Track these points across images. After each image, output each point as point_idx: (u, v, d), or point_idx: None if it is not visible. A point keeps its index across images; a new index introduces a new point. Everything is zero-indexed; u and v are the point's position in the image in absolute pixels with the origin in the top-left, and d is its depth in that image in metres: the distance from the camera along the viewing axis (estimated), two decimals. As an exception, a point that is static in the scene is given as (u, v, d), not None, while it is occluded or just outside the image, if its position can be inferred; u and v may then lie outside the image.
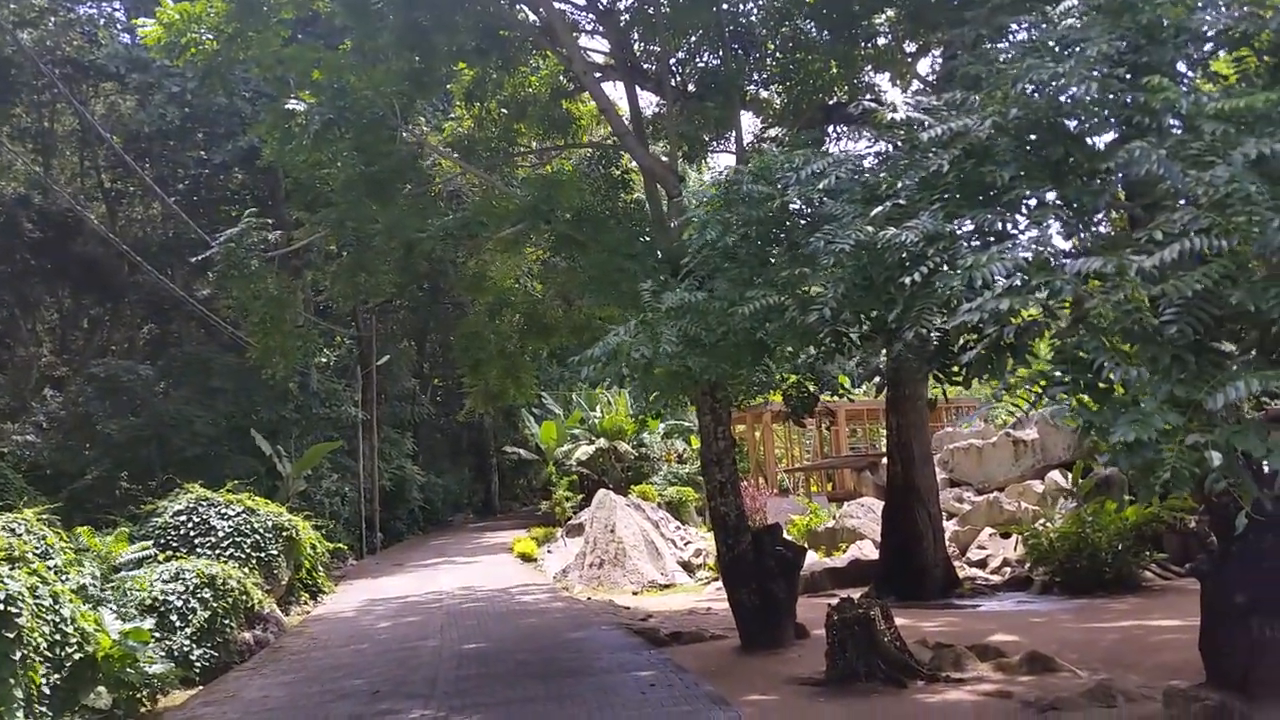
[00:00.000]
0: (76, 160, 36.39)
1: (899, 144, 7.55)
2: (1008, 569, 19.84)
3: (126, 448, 29.43)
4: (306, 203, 15.18)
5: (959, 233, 6.58)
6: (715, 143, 18.57)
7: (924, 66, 19.24)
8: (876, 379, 15.39)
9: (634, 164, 16.99)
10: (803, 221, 8.34)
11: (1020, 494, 23.06)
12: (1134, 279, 5.03)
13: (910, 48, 18.38)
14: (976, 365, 5.98)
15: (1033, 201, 6.44)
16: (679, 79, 18.24)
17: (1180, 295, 4.93)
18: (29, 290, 35.52)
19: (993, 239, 6.49)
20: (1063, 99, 6.55)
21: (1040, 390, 5.33)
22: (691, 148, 18.56)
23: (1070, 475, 21.87)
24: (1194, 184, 5.51)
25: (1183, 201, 5.74)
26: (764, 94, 17.95)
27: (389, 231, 14.07)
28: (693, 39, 17.85)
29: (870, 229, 7.00)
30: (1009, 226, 6.38)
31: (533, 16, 16.77)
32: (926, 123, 7.05)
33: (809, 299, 7.63)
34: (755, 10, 17.39)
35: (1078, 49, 6.78)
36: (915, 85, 18.67)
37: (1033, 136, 6.73)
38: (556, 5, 16.85)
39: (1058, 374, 5.23)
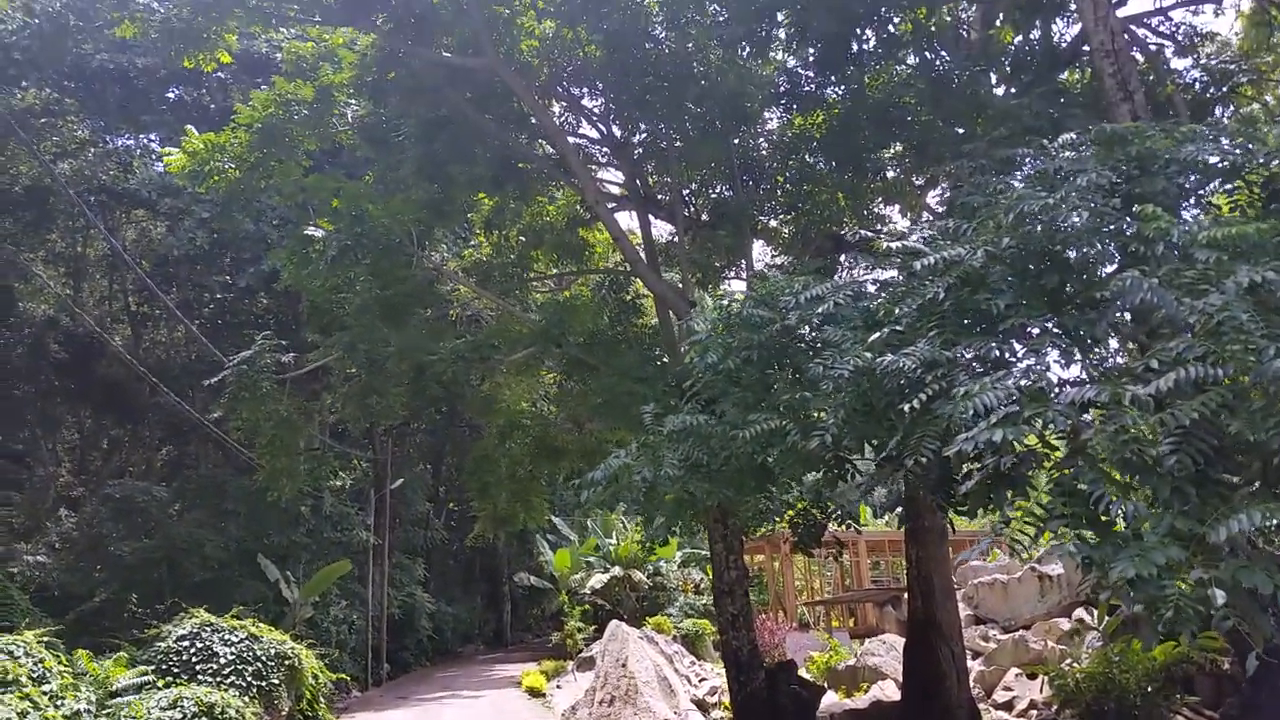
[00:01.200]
0: (105, 284, 37.34)
1: (898, 272, 7.64)
2: (1035, 711, 19.04)
3: (137, 570, 29.20)
4: (323, 326, 15.47)
5: (957, 360, 6.58)
6: (727, 270, 18.87)
7: (933, 198, 19.65)
8: (899, 509, 15.16)
9: (646, 289, 17.25)
10: (803, 346, 8.38)
11: (1047, 632, 22.32)
12: (1130, 408, 4.97)
13: (919, 181, 18.81)
14: (975, 496, 5.88)
15: (1034, 330, 6.46)
16: (692, 209, 18.70)
17: (1178, 424, 4.86)
18: (52, 410, 35.97)
19: (990, 367, 6.48)
20: (1056, 228, 6.64)
21: (1040, 524, 5.20)
22: (704, 275, 18.87)
23: (1097, 612, 21.20)
24: (1188, 312, 5.51)
25: (1182, 329, 5.74)
26: (774, 224, 18.31)
27: (400, 354, 14.26)
28: (704, 172, 18.39)
29: (869, 355, 7.01)
30: (1006, 355, 6.38)
31: (549, 149, 17.34)
32: (921, 251, 7.14)
33: (810, 424, 7.59)
34: (765, 145, 17.94)
35: (1071, 179, 6.92)
36: (925, 216, 19.04)
37: (1029, 266, 6.80)
38: (572, 139, 17.45)
39: (1056, 507, 5.11)
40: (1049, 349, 6.27)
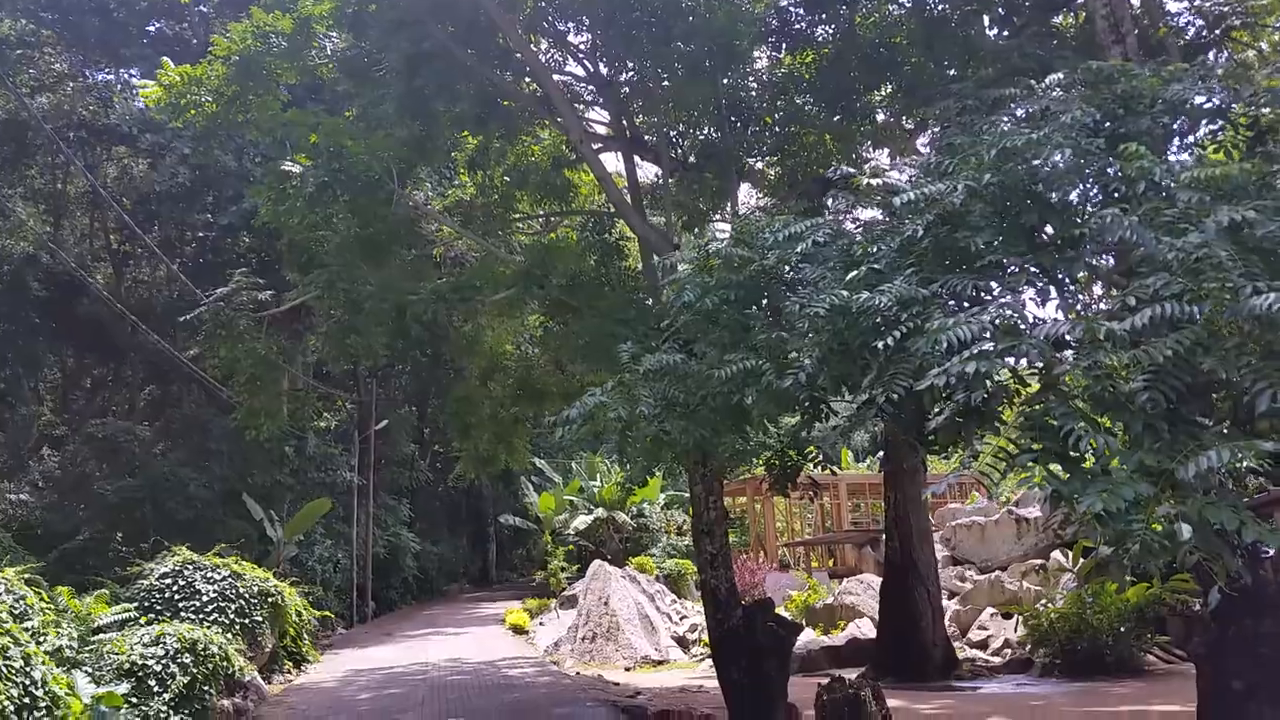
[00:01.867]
0: (86, 221, 36.82)
1: (879, 210, 7.54)
2: (1009, 650, 19.38)
3: (120, 509, 29.20)
4: (301, 264, 15.26)
5: (933, 297, 6.51)
6: (713, 213, 18.69)
7: (922, 142, 19.45)
8: (881, 453, 15.24)
9: (630, 231, 17.08)
10: (782, 286, 8.29)
11: (1023, 574, 22.64)
12: (1104, 344, 4.93)
13: (909, 124, 18.60)
14: (944, 431, 5.85)
15: (1013, 268, 6.40)
16: (678, 151, 18.46)
17: (1151, 362, 4.82)
18: (33, 349, 35.64)
19: (966, 304, 6.42)
20: (1038, 165, 6.54)
21: (1009, 459, 5.17)
22: (689, 217, 18.70)
23: (1072, 554, 21.50)
24: (1166, 249, 5.45)
25: (1159, 268, 5.67)
26: (760, 166, 18.10)
27: (380, 293, 14.08)
28: (691, 113, 18.12)
29: (845, 293, 6.93)
30: (982, 292, 6.32)
31: (534, 87, 17.03)
32: (901, 188, 7.04)
33: (786, 364, 7.54)
34: (754, 86, 17.67)
35: (1056, 118, 6.81)
36: (913, 159, 18.84)
37: (1010, 204, 6.71)
38: (557, 77, 17.14)
39: (1026, 442, 5.08)
40: (1025, 287, 6.21)
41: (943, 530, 26.32)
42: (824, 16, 14.75)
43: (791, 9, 15.23)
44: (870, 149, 18.81)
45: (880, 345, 6.48)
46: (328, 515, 30.81)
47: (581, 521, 34.30)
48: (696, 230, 17.89)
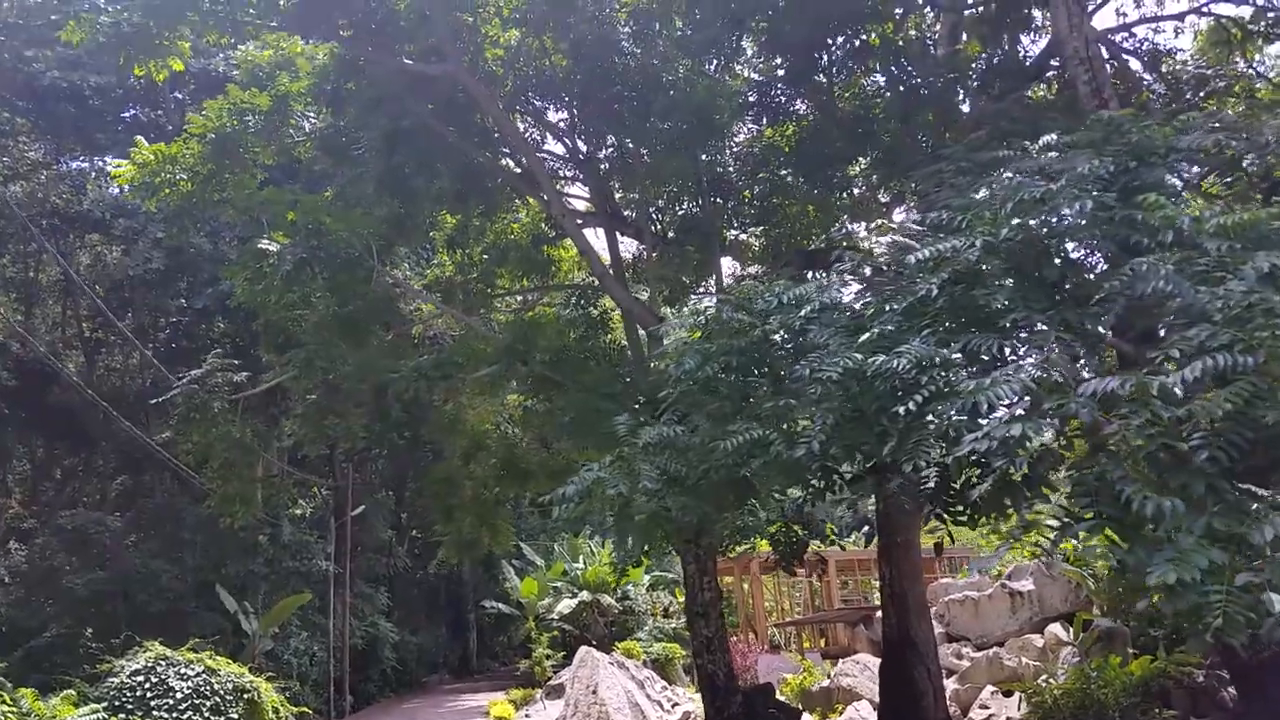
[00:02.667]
0: (58, 309, 36.18)
1: (884, 270, 7.17)
2: (1012, 730, 18.61)
3: (90, 603, 28.12)
4: (278, 345, 14.73)
5: (953, 359, 6.12)
6: (696, 285, 18.41)
7: (899, 214, 19.36)
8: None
9: (614, 305, 16.73)
10: (786, 351, 7.88)
11: (1021, 649, 21.95)
12: (1156, 400, 4.52)
13: (885, 198, 18.52)
14: (988, 501, 5.38)
15: (1040, 325, 6.01)
16: (659, 225, 18.24)
17: (1209, 417, 4.41)
18: (2, 439, 34.63)
19: (992, 364, 6.02)
20: (1055, 220, 6.22)
21: (1061, 528, 4.70)
22: (672, 291, 18.39)
23: (1071, 628, 20.89)
24: (1206, 299, 5.09)
25: (1196, 319, 5.30)
26: (743, 237, 17.89)
27: (360, 372, 13.56)
28: (672, 188, 17.97)
29: (859, 356, 6.52)
30: (1009, 352, 5.93)
31: (513, 164, 16.81)
32: (911, 247, 6.69)
33: (795, 433, 7.09)
34: (733, 159, 17.57)
35: (1071, 168, 6.50)
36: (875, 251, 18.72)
37: (1028, 259, 6.37)
38: (537, 154, 16.94)
39: (1081, 508, 4.62)
40: (1053, 345, 5.82)
41: (935, 606, 25.65)
42: (803, 90, 14.65)
43: (771, 83, 15.13)
44: (849, 221, 18.70)
45: (901, 410, 6.04)
46: (304, 606, 29.72)
47: (566, 606, 33.26)
48: (679, 303, 17.57)
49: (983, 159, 8.50)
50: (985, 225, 6.26)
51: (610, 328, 17.27)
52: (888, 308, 6.72)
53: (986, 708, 20.08)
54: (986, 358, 5.99)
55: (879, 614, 21.05)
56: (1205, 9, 16.51)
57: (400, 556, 40.36)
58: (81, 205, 29.26)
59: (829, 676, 22.84)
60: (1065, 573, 24.61)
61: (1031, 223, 6.19)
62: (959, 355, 6.05)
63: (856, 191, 17.68)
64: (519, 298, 19.36)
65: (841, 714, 20.43)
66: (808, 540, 10.63)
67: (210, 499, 15.35)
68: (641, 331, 15.46)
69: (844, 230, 17.35)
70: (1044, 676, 18.82)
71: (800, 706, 18.44)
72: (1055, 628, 22.04)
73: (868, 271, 7.36)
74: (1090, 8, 13.02)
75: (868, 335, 6.62)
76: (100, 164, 31.70)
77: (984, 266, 6.31)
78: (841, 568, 32.59)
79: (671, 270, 17.67)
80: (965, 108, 16.61)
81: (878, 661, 19.79)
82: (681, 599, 32.79)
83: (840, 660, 24.79)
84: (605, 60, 14.66)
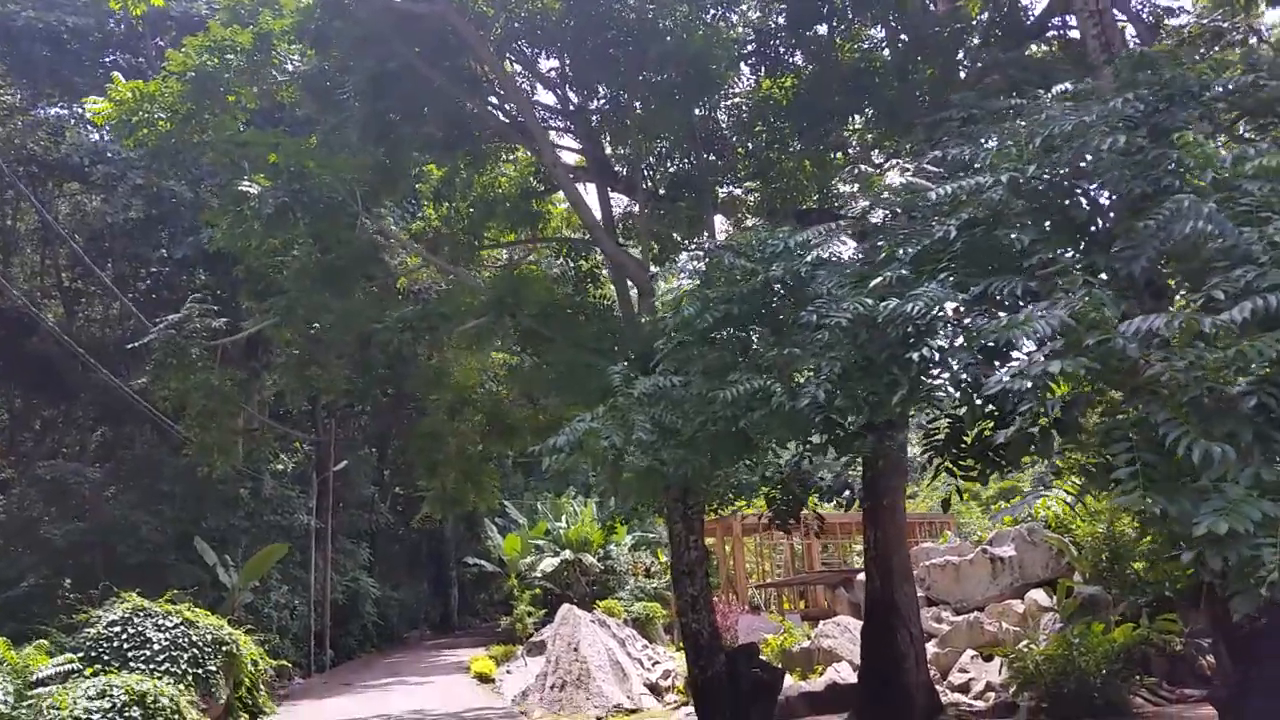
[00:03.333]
0: (37, 259, 35.32)
1: (896, 214, 6.73)
2: (992, 694, 18.47)
3: (68, 553, 27.64)
4: (259, 292, 14.17)
5: (974, 301, 5.72)
6: (687, 242, 17.93)
7: (893, 177, 18.90)
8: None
9: (604, 259, 16.25)
10: (789, 299, 7.46)
11: (1001, 614, 21.82)
12: (1202, 342, 4.15)
13: (880, 158, 18.05)
14: (1016, 447, 4.99)
15: (1062, 271, 5.60)
16: (651, 181, 17.72)
17: (1261, 360, 4.04)
18: (-22, 390, 33.93)
19: (1015, 309, 5.62)
20: (1088, 157, 5.80)
21: (1097, 475, 4.33)
22: (663, 248, 17.90)
23: (1056, 594, 20.76)
24: (1253, 240, 4.71)
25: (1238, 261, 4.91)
26: (737, 193, 17.37)
27: (343, 321, 13.05)
28: (665, 142, 17.44)
29: (869, 301, 6.12)
30: (1036, 295, 5.53)
31: (501, 115, 16.21)
32: (929, 187, 6.26)
33: (798, 384, 6.69)
34: (729, 112, 17.05)
35: (1098, 107, 6.08)
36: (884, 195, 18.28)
37: (1054, 199, 5.96)
38: (528, 102, 16.33)
39: (1118, 455, 4.24)
40: (1081, 287, 5.43)
41: (916, 570, 25.51)
42: (805, 35, 14.08)
43: (770, 32, 14.55)
44: (846, 180, 18.24)
45: (915, 357, 5.65)
46: (284, 560, 29.31)
47: (548, 564, 33.02)
48: (670, 260, 17.08)
49: (994, 106, 8.03)
50: (1011, 162, 5.83)
51: (601, 282, 16.78)
52: (900, 252, 6.31)
53: (966, 671, 19.96)
54: (1008, 302, 5.60)
55: (859, 577, 20.86)
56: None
57: (383, 513, 39.99)
58: (60, 152, 28.38)
59: (809, 638, 22.69)
60: (1047, 539, 24.50)
61: (1063, 159, 5.77)
62: (977, 298, 5.65)
63: (853, 152, 17.25)
64: (506, 252, 18.80)
65: (821, 674, 20.28)
66: (804, 499, 10.28)
67: (188, 448, 14.83)
68: (632, 287, 15.01)
69: (843, 185, 16.93)
70: (1025, 642, 18.67)
71: (781, 666, 18.23)
72: (1037, 594, 21.92)
73: (876, 218, 6.90)
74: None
75: (879, 279, 6.21)
76: (79, 111, 30.76)
77: (1007, 207, 5.90)
78: (822, 531, 32.46)
79: (664, 226, 17.18)
80: (965, 68, 16.15)
81: (858, 624, 19.61)
82: (663, 559, 32.60)
83: (821, 622, 24.66)
84: (599, 4, 14.07)
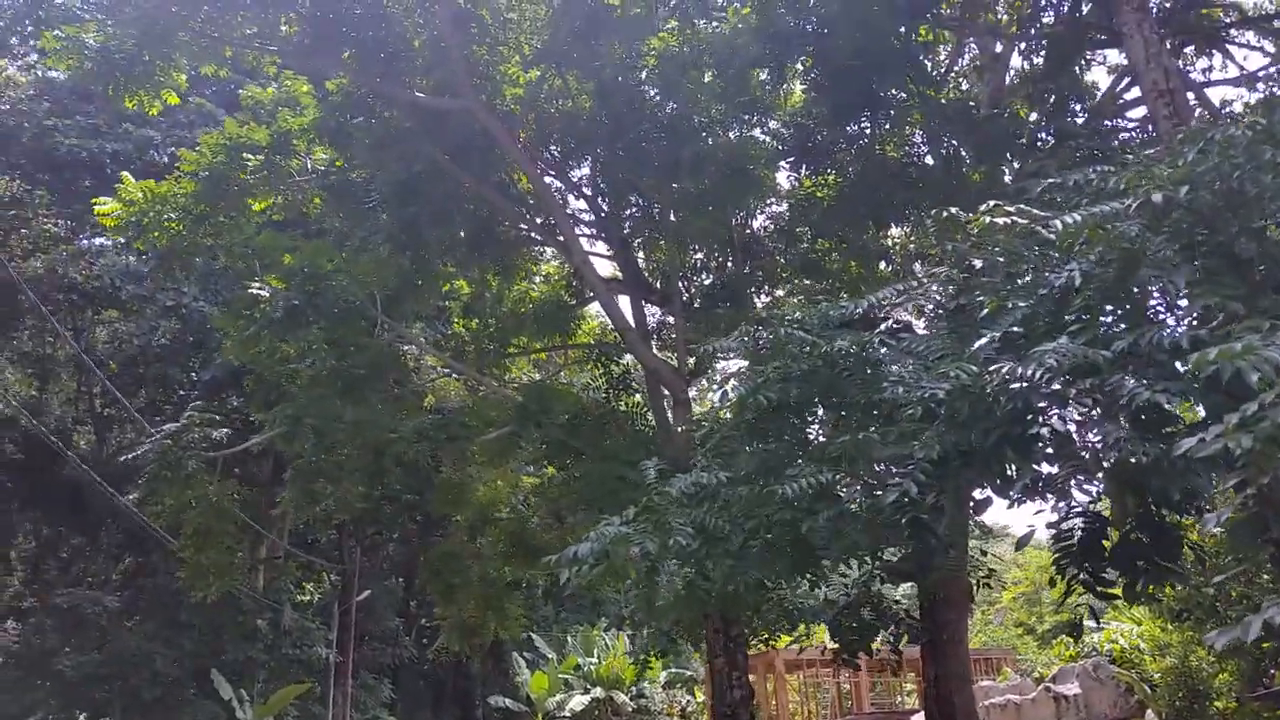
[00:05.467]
0: (73, 385, 34.75)
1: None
2: None
3: (80, 686, 26.09)
4: (268, 403, 12.94)
5: (1117, 359, 4.28)
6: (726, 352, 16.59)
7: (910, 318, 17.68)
8: (892, 626, 12.55)
9: (636, 365, 14.94)
10: (859, 380, 6.03)
11: (1072, 760, 19.44)
12: None
13: (918, 269, 16.82)
14: (1242, 529, 3.47)
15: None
16: (687, 292, 16.61)
17: None
18: (6, 516, 32.87)
19: (1171, 364, 4.18)
20: (1244, 182, 4.45)
21: None
22: (699, 360, 16.61)
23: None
24: None
25: None
26: (779, 294, 16.12)
27: (355, 432, 11.71)
28: (701, 250, 16.43)
29: (972, 368, 4.69)
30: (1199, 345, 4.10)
31: (530, 217, 15.24)
32: (1043, 220, 4.91)
33: (875, 478, 5.22)
34: (769, 214, 16.08)
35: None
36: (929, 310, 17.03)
37: (1202, 232, 4.59)
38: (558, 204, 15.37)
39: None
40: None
41: (975, 710, 23.11)
42: (849, 130, 13.04)
43: (811, 127, 13.53)
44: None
45: (1041, 433, 4.18)
46: (302, 696, 27.34)
47: (577, 703, 30.61)
48: (708, 369, 15.74)
49: (1076, 178, 6.69)
50: (1154, 183, 4.48)
51: (632, 389, 15.40)
52: (1010, 304, 4.91)
53: (1041, 826, 17.53)
54: (1163, 358, 4.16)
55: (916, 718, 18.68)
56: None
57: (407, 646, 37.73)
58: (100, 281, 28.00)
59: (864, 788, 20.29)
60: (1116, 675, 22.17)
61: (1214, 185, 4.42)
62: (1121, 355, 4.22)
63: (897, 258, 16.13)
64: (534, 358, 17.54)
65: (881, 831, 17.88)
66: (878, 627, 8.54)
67: (181, 570, 13.36)
68: (668, 396, 13.65)
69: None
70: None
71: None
72: (1115, 736, 19.54)
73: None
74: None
75: (984, 340, 4.80)
76: (119, 241, 30.59)
77: (1144, 244, 4.52)
78: (871, 666, 29.93)
79: (700, 335, 15.91)
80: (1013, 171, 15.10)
81: (920, 772, 17.35)
82: (700, 699, 30.07)
83: (875, 769, 22.25)
84: (632, 103, 13.20)
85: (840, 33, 10.37)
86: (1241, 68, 16.00)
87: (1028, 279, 4.97)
